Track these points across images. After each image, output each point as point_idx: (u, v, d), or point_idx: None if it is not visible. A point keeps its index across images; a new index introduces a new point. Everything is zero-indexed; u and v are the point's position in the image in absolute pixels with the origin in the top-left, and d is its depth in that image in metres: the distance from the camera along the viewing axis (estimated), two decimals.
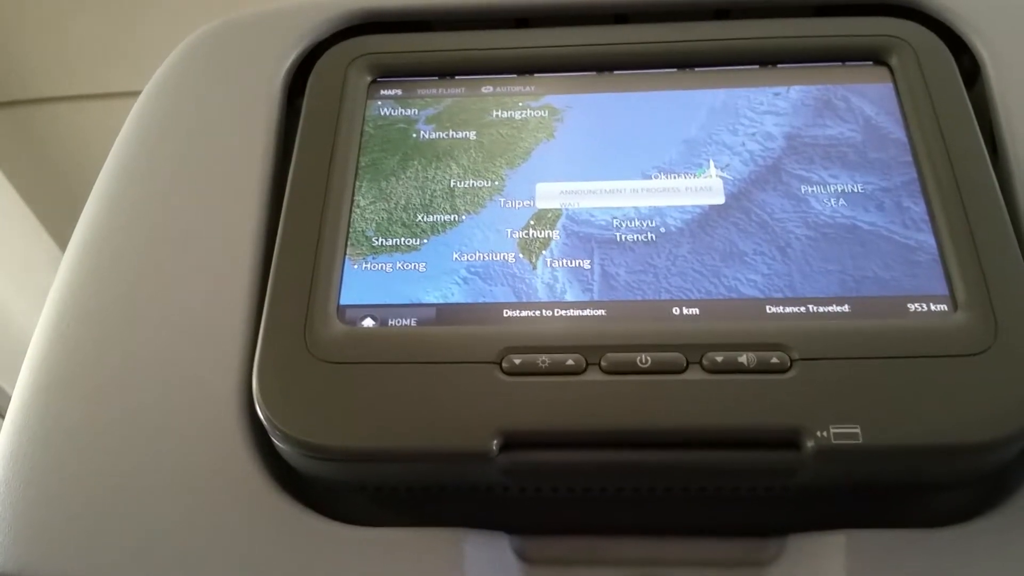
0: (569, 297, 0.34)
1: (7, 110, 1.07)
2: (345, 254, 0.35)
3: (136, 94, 0.44)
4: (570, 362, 0.32)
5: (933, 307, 0.33)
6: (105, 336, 0.36)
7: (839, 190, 0.36)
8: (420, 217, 0.36)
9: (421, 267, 0.35)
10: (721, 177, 0.37)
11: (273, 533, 0.31)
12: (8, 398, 0.35)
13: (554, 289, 0.34)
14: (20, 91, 1.05)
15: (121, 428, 0.34)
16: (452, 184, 0.37)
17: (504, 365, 0.32)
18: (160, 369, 0.35)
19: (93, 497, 0.32)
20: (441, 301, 0.34)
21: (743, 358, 0.31)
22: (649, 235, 0.35)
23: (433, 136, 0.39)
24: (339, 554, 0.31)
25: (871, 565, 0.30)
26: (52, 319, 0.37)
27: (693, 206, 0.36)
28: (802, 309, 0.33)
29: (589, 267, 0.35)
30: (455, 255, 0.35)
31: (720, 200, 0.36)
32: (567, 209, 0.36)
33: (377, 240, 0.36)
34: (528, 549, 0.33)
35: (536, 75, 0.40)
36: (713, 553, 0.32)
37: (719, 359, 0.31)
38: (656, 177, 0.37)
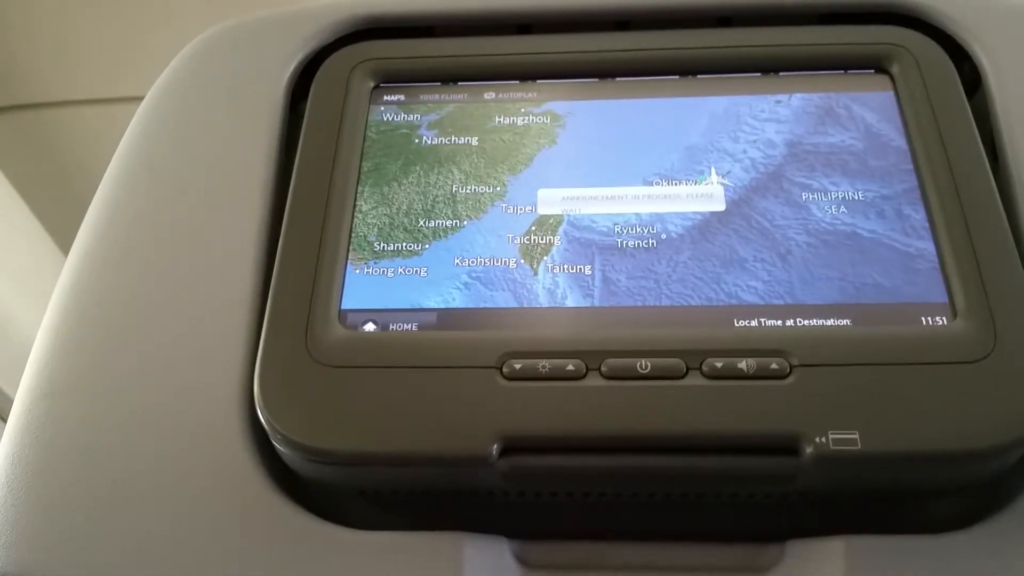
0: (570, 303, 0.34)
1: (11, 114, 1.07)
2: (347, 259, 0.36)
3: (141, 99, 0.44)
4: (570, 367, 0.32)
5: (932, 314, 0.33)
6: (107, 339, 0.36)
7: (840, 197, 0.36)
8: (422, 222, 0.37)
9: (422, 272, 0.35)
10: (722, 184, 0.37)
11: (274, 536, 0.32)
12: (11, 401, 0.36)
13: (555, 295, 0.34)
14: (25, 95, 1.06)
15: (123, 431, 0.34)
16: (454, 189, 0.37)
17: (504, 370, 0.32)
18: (162, 372, 0.35)
19: (95, 499, 0.33)
20: (442, 306, 0.34)
21: (743, 364, 0.31)
22: (650, 241, 0.35)
23: (435, 142, 0.39)
24: (339, 558, 0.31)
25: (869, 571, 0.30)
26: (55, 323, 0.37)
27: (694, 213, 0.36)
28: (802, 316, 0.33)
29: (590, 273, 0.35)
30: (456, 260, 0.35)
31: (721, 207, 0.36)
32: (568, 215, 0.36)
33: (379, 245, 0.36)
34: (528, 553, 0.33)
35: (538, 81, 0.40)
36: (712, 558, 0.32)
37: (719, 365, 0.31)
38: (657, 184, 0.37)
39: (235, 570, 0.31)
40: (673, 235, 0.35)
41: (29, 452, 0.34)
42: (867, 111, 0.38)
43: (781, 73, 0.40)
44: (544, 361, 0.32)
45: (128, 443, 0.33)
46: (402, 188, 0.38)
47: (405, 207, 0.37)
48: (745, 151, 0.37)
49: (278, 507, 0.32)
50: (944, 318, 0.33)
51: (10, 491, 0.33)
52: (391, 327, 0.34)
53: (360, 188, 0.38)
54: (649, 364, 0.32)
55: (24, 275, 1.05)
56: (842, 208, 0.35)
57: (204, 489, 0.32)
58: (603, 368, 0.32)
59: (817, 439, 0.30)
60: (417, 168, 0.38)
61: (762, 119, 0.38)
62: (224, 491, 0.32)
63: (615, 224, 0.36)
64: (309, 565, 0.31)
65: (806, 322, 0.33)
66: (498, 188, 0.37)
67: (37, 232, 1.11)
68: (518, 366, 0.32)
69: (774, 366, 0.31)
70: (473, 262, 0.35)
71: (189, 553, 0.31)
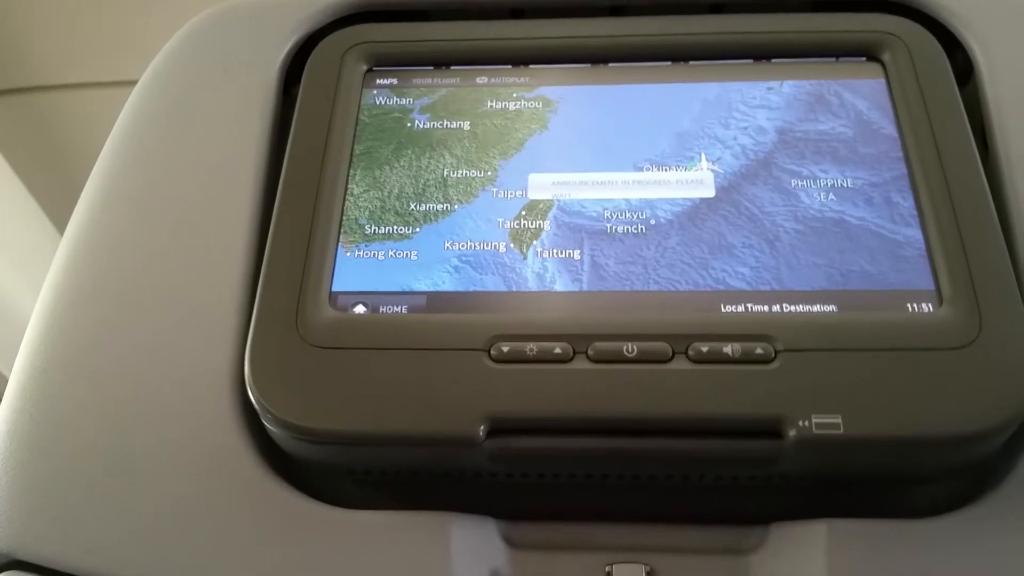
0: (558, 287, 0.34)
1: (10, 97, 1.07)
2: (338, 241, 0.36)
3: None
4: (557, 350, 0.32)
5: (919, 301, 0.33)
6: (100, 320, 0.36)
7: (829, 184, 0.36)
8: (413, 206, 0.37)
9: (413, 255, 0.35)
10: (712, 170, 0.37)
11: (264, 515, 0.32)
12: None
13: (544, 279, 0.34)
14: (23, 79, 1.06)
15: (115, 411, 0.34)
16: (445, 174, 0.38)
17: (492, 352, 0.32)
18: (154, 353, 0.35)
19: (87, 479, 0.33)
20: (432, 289, 0.35)
21: (728, 348, 0.32)
22: (639, 227, 0.36)
23: (427, 126, 0.39)
24: (328, 536, 0.31)
25: (852, 554, 0.30)
26: (48, 304, 0.37)
27: (683, 199, 0.36)
28: (788, 301, 0.33)
29: (579, 257, 0.35)
30: (447, 244, 0.36)
31: (710, 193, 0.36)
32: (559, 200, 0.37)
33: (370, 228, 0.36)
34: (514, 534, 0.33)
35: (531, 66, 0.41)
36: (696, 540, 0.33)
37: (704, 349, 0.32)
38: (648, 169, 0.37)
39: (225, 548, 0.31)
40: (662, 221, 0.36)
41: (22, 432, 0.34)
42: (858, 99, 0.38)
43: (773, 60, 0.40)
44: (532, 344, 0.32)
45: (120, 424, 0.34)
46: (394, 172, 0.38)
47: (396, 191, 0.37)
48: (735, 138, 0.38)
49: (268, 486, 0.32)
50: (930, 305, 0.33)
51: (4, 470, 0.33)
52: (381, 309, 0.34)
53: (352, 171, 0.38)
54: (635, 348, 0.32)
55: (23, 257, 1.05)
56: (831, 195, 0.36)
57: (195, 469, 0.33)
58: (590, 351, 0.32)
59: (800, 423, 0.30)
60: (409, 152, 0.38)
61: (753, 106, 0.38)
62: (215, 471, 0.33)
63: (605, 209, 0.36)
64: (298, 543, 0.31)
65: (792, 308, 0.33)
66: (489, 173, 0.38)
67: (36, 214, 1.11)
68: (506, 349, 0.32)
69: (759, 351, 0.32)
70: (463, 246, 0.36)
71: (180, 532, 0.32)
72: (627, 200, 0.36)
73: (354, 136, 0.39)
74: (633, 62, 0.40)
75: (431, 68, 0.41)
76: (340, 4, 0.44)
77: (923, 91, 0.38)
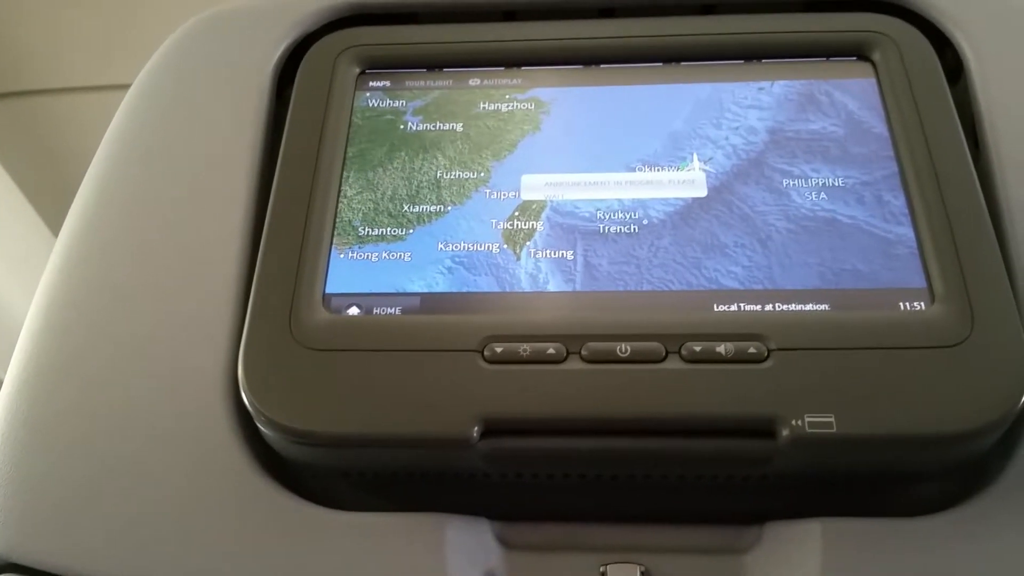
0: (552, 287, 0.34)
1: (4, 102, 1.07)
2: (331, 243, 0.36)
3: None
4: (551, 351, 0.32)
5: (911, 299, 0.33)
6: (94, 322, 0.36)
7: (820, 184, 0.36)
8: (406, 207, 0.37)
9: (406, 257, 0.36)
10: (704, 170, 0.37)
11: (258, 517, 0.32)
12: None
13: (537, 279, 0.35)
14: (17, 83, 1.06)
15: (109, 413, 0.34)
16: (438, 175, 0.38)
17: (486, 353, 0.32)
18: (148, 355, 0.35)
19: (81, 480, 0.33)
20: (425, 290, 0.35)
21: (721, 348, 0.32)
22: (632, 227, 0.36)
23: (420, 128, 0.39)
24: (323, 538, 0.31)
25: (846, 552, 0.30)
26: (43, 306, 0.37)
27: (676, 199, 0.36)
28: (781, 301, 0.33)
29: (572, 258, 0.35)
30: (440, 245, 0.36)
31: (703, 193, 0.36)
32: (551, 201, 0.37)
33: (363, 230, 0.36)
34: (509, 535, 0.33)
35: (523, 68, 0.41)
36: (691, 540, 0.33)
37: (697, 349, 0.32)
38: (640, 170, 0.37)
39: (219, 550, 0.31)
40: (655, 221, 0.36)
41: (17, 434, 0.34)
42: (849, 98, 0.38)
43: (764, 60, 0.40)
44: (525, 345, 0.32)
45: (114, 426, 0.34)
46: (387, 173, 0.38)
47: (390, 192, 0.37)
48: (727, 138, 0.38)
49: (262, 488, 0.32)
50: (922, 303, 0.33)
51: None
52: (375, 311, 0.34)
53: (345, 173, 0.38)
54: (629, 348, 0.32)
55: (18, 261, 1.05)
56: (822, 194, 0.36)
57: (189, 471, 0.33)
58: (583, 352, 0.32)
59: (793, 422, 0.30)
60: (402, 154, 0.38)
61: (744, 106, 0.38)
62: (209, 473, 0.33)
63: (597, 209, 0.36)
64: (293, 546, 0.31)
65: (785, 307, 0.33)
66: (482, 174, 0.38)
67: (30, 217, 1.11)
68: (499, 349, 0.32)
69: (752, 350, 0.32)
70: (456, 247, 0.36)
71: (175, 535, 0.32)
72: (620, 200, 0.36)
73: (347, 138, 0.39)
74: (625, 63, 0.40)
75: (424, 70, 0.41)
76: (332, 7, 0.44)
77: (913, 90, 0.38)
